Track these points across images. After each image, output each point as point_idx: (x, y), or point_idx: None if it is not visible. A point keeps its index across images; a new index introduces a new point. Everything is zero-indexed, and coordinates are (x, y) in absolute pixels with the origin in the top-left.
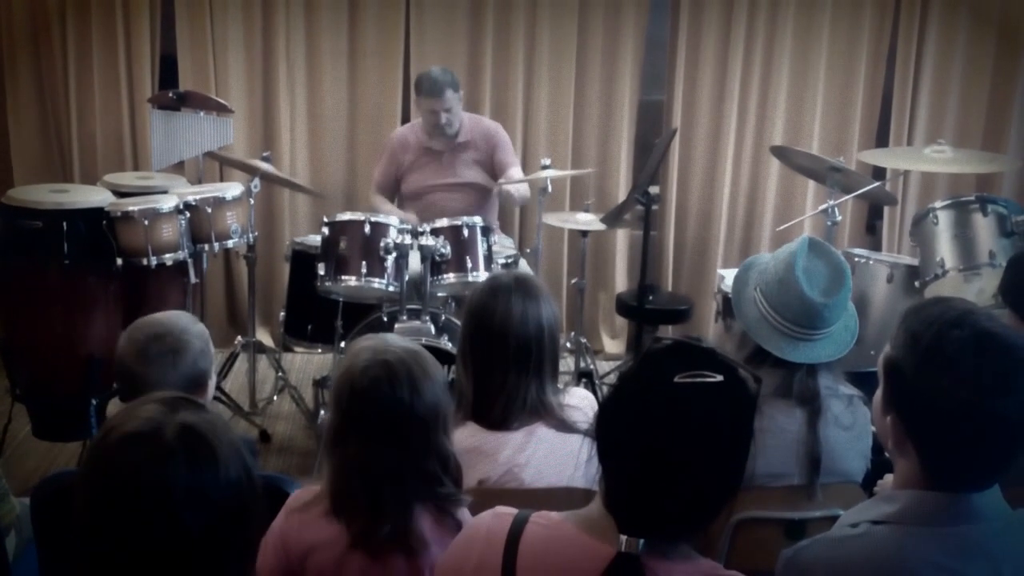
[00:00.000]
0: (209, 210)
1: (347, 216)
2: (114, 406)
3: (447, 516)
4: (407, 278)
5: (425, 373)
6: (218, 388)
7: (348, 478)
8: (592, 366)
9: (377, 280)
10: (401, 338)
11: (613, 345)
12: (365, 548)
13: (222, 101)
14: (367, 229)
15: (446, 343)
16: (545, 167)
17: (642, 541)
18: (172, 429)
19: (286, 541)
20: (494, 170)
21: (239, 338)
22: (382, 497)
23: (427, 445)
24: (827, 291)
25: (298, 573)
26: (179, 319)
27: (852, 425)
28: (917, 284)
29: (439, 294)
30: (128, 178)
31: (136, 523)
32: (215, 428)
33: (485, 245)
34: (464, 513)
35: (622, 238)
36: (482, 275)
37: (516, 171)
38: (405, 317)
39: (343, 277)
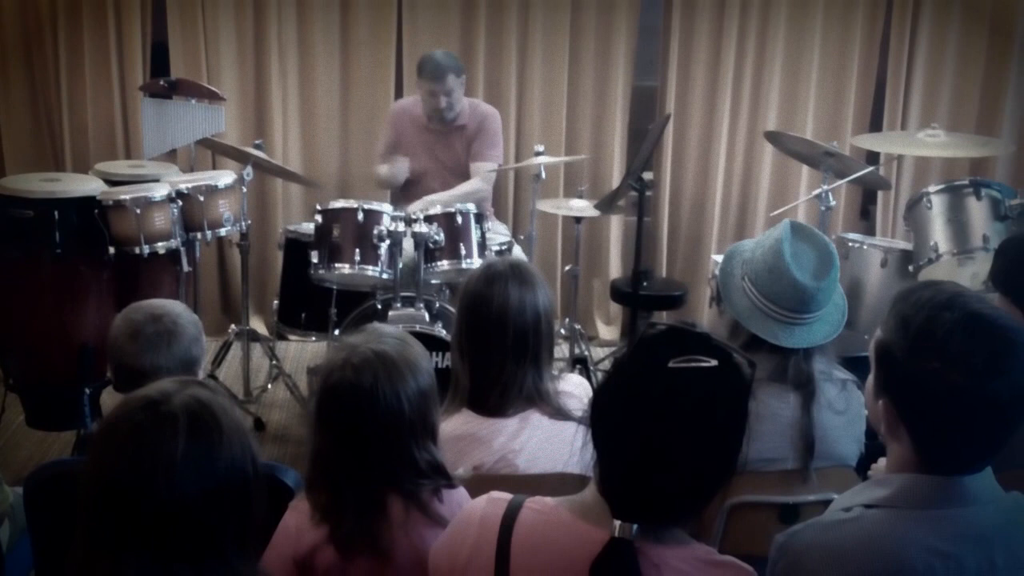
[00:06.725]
0: (201, 198)
1: (340, 203)
2: (109, 396)
3: (424, 512)
4: (401, 265)
5: (391, 380)
6: (212, 376)
7: (315, 469)
8: (587, 352)
9: (371, 268)
10: (388, 335)
11: (608, 331)
12: (334, 544)
13: (214, 89)
14: (360, 216)
15: (440, 330)
16: (539, 153)
17: (636, 526)
18: (180, 399)
19: (288, 539)
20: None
21: (233, 326)
22: (343, 494)
23: (390, 448)
24: (817, 274)
25: (308, 570)
26: (174, 305)
27: (846, 409)
28: (911, 268)
29: (433, 281)
30: (120, 166)
31: (138, 483)
32: (223, 406)
33: (479, 232)
34: (456, 496)
35: (616, 224)
36: (476, 262)
37: (486, 165)
38: (399, 304)
39: (337, 265)
